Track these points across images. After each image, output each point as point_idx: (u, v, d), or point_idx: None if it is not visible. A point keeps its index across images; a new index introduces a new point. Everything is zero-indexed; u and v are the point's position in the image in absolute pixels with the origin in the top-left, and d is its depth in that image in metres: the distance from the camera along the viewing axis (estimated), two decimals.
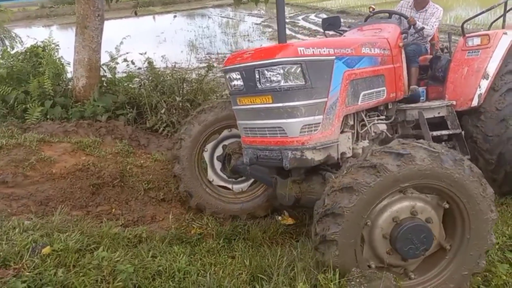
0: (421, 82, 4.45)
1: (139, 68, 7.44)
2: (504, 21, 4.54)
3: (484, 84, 3.91)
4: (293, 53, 2.86)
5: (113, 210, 4.05)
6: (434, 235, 2.56)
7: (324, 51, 3.01)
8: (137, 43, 7.61)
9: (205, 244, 3.54)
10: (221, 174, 4.28)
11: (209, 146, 4.25)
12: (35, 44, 7.17)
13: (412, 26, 4.02)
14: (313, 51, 2.94)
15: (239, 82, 3.13)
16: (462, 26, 4.44)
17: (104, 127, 5.90)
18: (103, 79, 6.93)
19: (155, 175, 4.63)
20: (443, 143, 3.98)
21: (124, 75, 7.39)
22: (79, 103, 6.43)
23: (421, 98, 4.20)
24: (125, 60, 7.17)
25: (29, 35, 8.08)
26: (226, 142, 4.23)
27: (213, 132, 4.15)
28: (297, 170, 3.22)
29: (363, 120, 3.54)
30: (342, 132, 3.28)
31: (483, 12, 4.63)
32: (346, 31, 4.39)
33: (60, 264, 2.70)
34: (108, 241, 3.14)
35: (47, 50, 7.09)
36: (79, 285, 2.53)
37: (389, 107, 3.86)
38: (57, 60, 6.92)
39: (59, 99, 6.39)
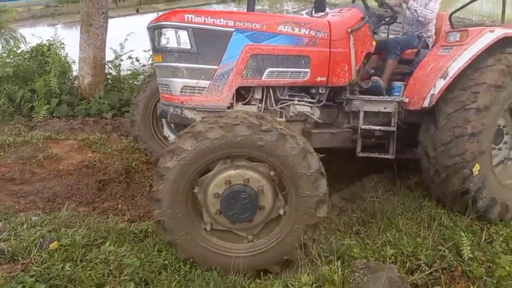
0: (406, 77, 4.22)
1: (144, 65, 7.48)
2: (503, 14, 4.24)
3: (440, 84, 3.48)
4: (180, 19, 3.08)
5: (119, 206, 4.09)
6: (258, 203, 2.70)
7: (220, 22, 3.14)
8: (141, 40, 7.64)
9: None
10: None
11: None
12: (40, 43, 7.23)
13: (404, 4, 3.95)
14: (204, 20, 3.10)
15: (152, 41, 3.36)
16: (449, 19, 4.07)
17: (110, 124, 5.97)
18: (108, 76, 6.98)
19: None
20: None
21: (129, 72, 7.44)
22: (85, 100, 6.51)
23: (396, 93, 3.96)
24: (129, 57, 7.22)
25: (34, 34, 8.15)
26: None
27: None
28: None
29: (278, 97, 3.56)
30: (247, 103, 3.43)
31: (469, 3, 4.15)
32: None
33: (67, 258, 2.75)
34: (114, 236, 3.17)
35: (52, 49, 7.16)
36: (86, 279, 2.57)
37: (320, 91, 3.72)
38: (63, 58, 6.99)
39: (65, 97, 6.47)
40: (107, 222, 3.45)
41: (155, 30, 3.21)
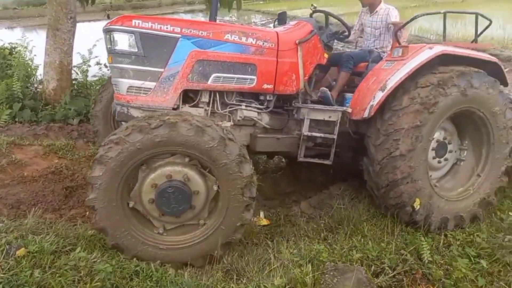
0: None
1: None
2: (444, 32, 4.50)
3: (378, 96, 3.62)
4: (128, 24, 3.25)
5: (87, 213, 4.01)
6: (191, 190, 2.94)
7: (167, 28, 3.33)
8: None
9: None
10: None
11: None
12: (2, 45, 6.99)
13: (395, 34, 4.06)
14: (151, 25, 3.28)
15: (105, 43, 3.50)
16: (396, 34, 4.14)
17: (76, 130, 5.85)
18: (73, 82, 6.84)
19: None
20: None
21: (95, 78, 7.32)
22: (49, 106, 6.34)
23: (347, 104, 4.03)
24: (97, 63, 7.11)
25: None
26: None
27: None
28: None
29: (226, 101, 3.74)
30: (194, 106, 3.61)
31: (410, 21, 4.23)
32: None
33: (36, 265, 2.68)
34: (84, 242, 3.12)
35: (14, 53, 6.95)
36: (56, 286, 2.52)
37: (268, 98, 3.88)
38: (27, 62, 6.79)
39: (28, 101, 6.28)
40: (76, 229, 3.40)
41: (107, 33, 3.38)
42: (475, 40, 4.41)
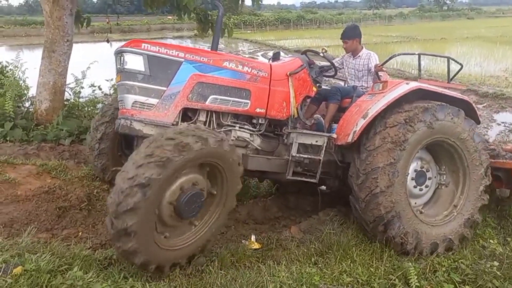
0: None
1: (106, 94, 7.47)
2: (419, 71, 4.93)
3: (361, 123, 3.90)
4: (138, 47, 3.61)
5: (80, 233, 4.02)
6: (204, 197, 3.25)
7: (172, 53, 3.69)
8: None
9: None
10: None
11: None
12: None
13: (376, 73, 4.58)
14: (158, 49, 3.63)
15: (116, 63, 3.79)
16: (376, 72, 4.58)
17: (67, 151, 5.86)
18: (66, 103, 6.90)
19: None
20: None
21: (86, 99, 7.38)
22: (41, 126, 6.35)
23: (333, 131, 4.36)
24: (92, 85, 7.20)
25: None
26: None
27: None
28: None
29: (222, 122, 4.01)
30: (193, 123, 3.81)
31: (389, 59, 4.70)
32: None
33: (33, 284, 2.70)
34: (79, 262, 3.15)
35: (5, 72, 7.00)
36: None
37: (260, 121, 4.18)
38: (20, 81, 6.84)
39: (20, 121, 6.29)
40: (71, 248, 3.41)
41: (118, 55, 3.70)
42: (448, 81, 4.76)
